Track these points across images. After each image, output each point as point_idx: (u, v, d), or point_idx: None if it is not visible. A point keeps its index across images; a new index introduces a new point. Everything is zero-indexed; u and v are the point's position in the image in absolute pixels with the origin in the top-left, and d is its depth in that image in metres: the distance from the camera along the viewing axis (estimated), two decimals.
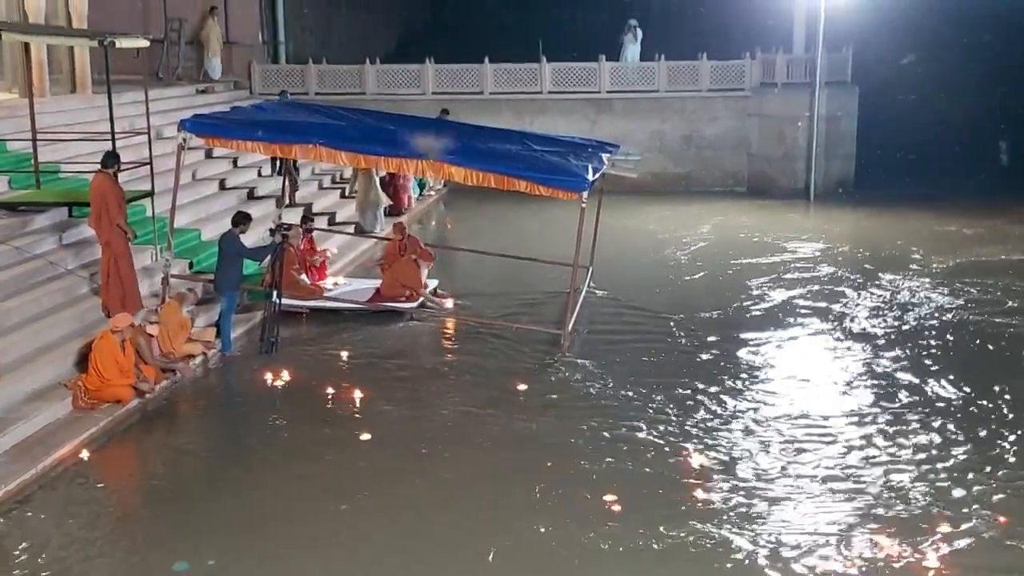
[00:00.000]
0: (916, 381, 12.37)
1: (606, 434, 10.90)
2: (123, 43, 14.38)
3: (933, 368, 12.84)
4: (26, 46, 15.86)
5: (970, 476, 9.78)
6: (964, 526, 8.85)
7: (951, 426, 10.98)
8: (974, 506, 9.21)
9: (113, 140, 13.85)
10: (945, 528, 8.80)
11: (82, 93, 19.63)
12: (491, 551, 8.55)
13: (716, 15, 33.24)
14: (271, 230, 14.31)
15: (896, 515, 9.05)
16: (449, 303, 15.58)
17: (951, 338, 14.11)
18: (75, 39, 17.07)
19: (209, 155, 19.59)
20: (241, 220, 13.78)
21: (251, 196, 19.23)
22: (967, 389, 12.06)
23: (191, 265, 15.18)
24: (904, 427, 10.94)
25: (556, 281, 15.70)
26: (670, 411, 11.45)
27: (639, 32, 26.74)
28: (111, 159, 13.06)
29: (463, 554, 8.57)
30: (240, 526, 9.03)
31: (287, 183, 19.17)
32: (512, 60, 25.86)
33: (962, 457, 10.24)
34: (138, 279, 13.22)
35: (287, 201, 19.27)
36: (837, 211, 23.27)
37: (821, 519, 9.02)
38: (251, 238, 14.90)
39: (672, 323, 14.76)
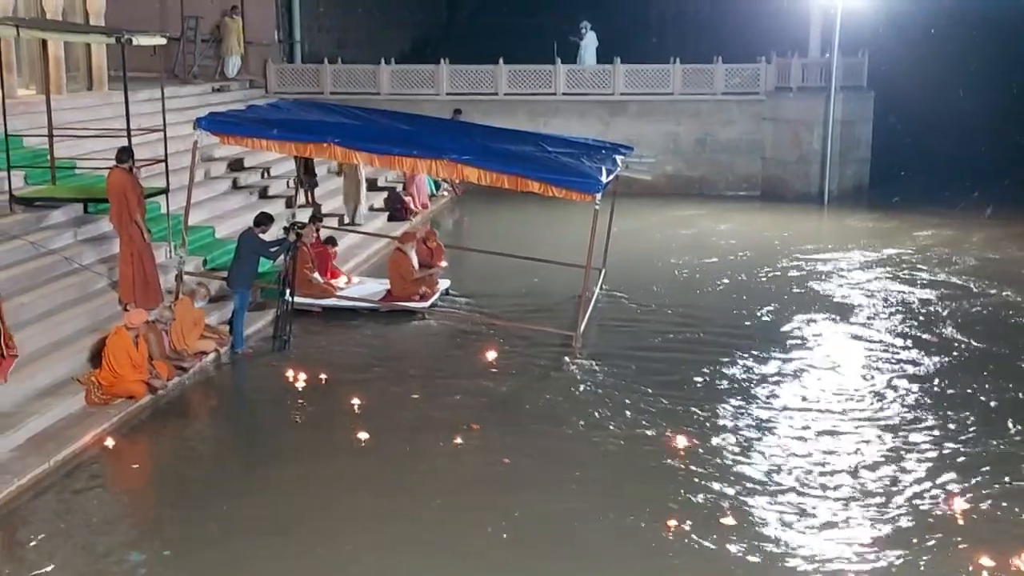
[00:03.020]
0: (957, 392, 12.16)
1: (618, 437, 10.91)
2: (140, 40, 14.43)
3: (970, 378, 12.65)
4: (43, 43, 15.92)
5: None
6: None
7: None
8: None
9: (129, 137, 13.90)
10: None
11: (99, 90, 19.72)
12: (494, 531, 8.57)
13: (732, 19, 33.16)
14: (285, 228, 14.36)
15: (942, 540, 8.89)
16: (443, 263, 16.06)
17: (983, 346, 14.03)
18: (92, 36, 17.14)
19: (210, 159, 19.57)
20: (263, 221, 13.85)
21: (262, 195, 19.30)
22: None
23: (205, 262, 15.23)
24: (947, 446, 10.66)
25: (569, 283, 15.68)
26: (681, 415, 11.45)
27: (593, 35, 26.71)
28: (126, 154, 13.14)
29: (469, 554, 8.60)
30: (248, 524, 9.05)
31: (302, 182, 19.23)
32: (526, 61, 25.87)
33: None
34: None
35: (304, 201, 19.32)
36: (852, 216, 23.17)
37: (858, 536, 8.93)
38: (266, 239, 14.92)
39: (685, 325, 14.74)
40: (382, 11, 35.14)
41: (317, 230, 16.22)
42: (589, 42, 26.65)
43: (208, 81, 24.36)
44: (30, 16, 17.97)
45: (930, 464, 10.23)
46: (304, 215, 17.52)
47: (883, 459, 10.34)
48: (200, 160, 17.85)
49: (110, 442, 10.56)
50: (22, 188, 14.55)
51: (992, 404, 11.86)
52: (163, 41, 15.51)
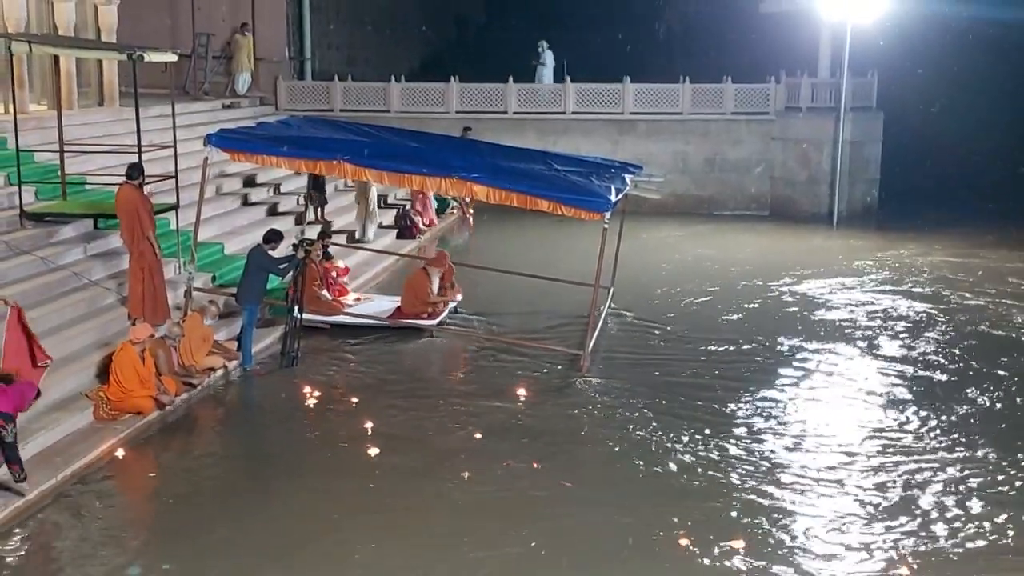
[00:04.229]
0: (1009, 424, 11.89)
1: (627, 457, 10.89)
2: (151, 57, 14.50)
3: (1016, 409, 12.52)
4: (55, 58, 16.01)
5: None
6: None
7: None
8: None
9: (140, 153, 13.96)
10: None
11: (110, 106, 19.80)
12: (507, 552, 8.53)
13: (742, 37, 33.22)
14: (294, 245, 14.38)
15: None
16: (459, 297, 15.95)
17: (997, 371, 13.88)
18: (104, 52, 17.23)
19: (222, 174, 19.66)
20: (273, 238, 13.87)
21: (271, 212, 19.35)
22: None
23: (214, 278, 15.26)
24: (957, 482, 10.34)
25: (577, 301, 15.66)
26: (692, 434, 11.40)
27: (550, 55, 26.92)
28: (136, 171, 13.18)
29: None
30: (255, 543, 9.02)
31: (312, 199, 19.28)
32: (536, 80, 25.89)
33: None
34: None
35: (314, 217, 19.37)
36: (862, 236, 23.09)
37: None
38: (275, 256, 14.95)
39: (693, 346, 14.68)
40: (392, 28, 35.27)
41: (325, 247, 16.25)
42: (547, 62, 26.90)
43: (219, 98, 24.44)
44: (43, 32, 18.07)
45: (959, 494, 10.06)
46: (314, 232, 17.54)
47: (922, 493, 10.06)
48: (212, 176, 17.93)
49: (118, 457, 10.56)
50: (33, 203, 14.59)
51: None
52: (174, 58, 15.57)
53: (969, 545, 9.05)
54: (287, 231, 16.70)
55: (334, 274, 16.18)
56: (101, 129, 18.05)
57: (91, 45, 17.93)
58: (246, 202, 19.23)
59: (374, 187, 19.44)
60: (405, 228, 21.47)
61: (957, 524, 9.38)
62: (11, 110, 15.21)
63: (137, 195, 13.00)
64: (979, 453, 10.97)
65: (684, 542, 9.00)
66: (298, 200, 20.11)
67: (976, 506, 9.74)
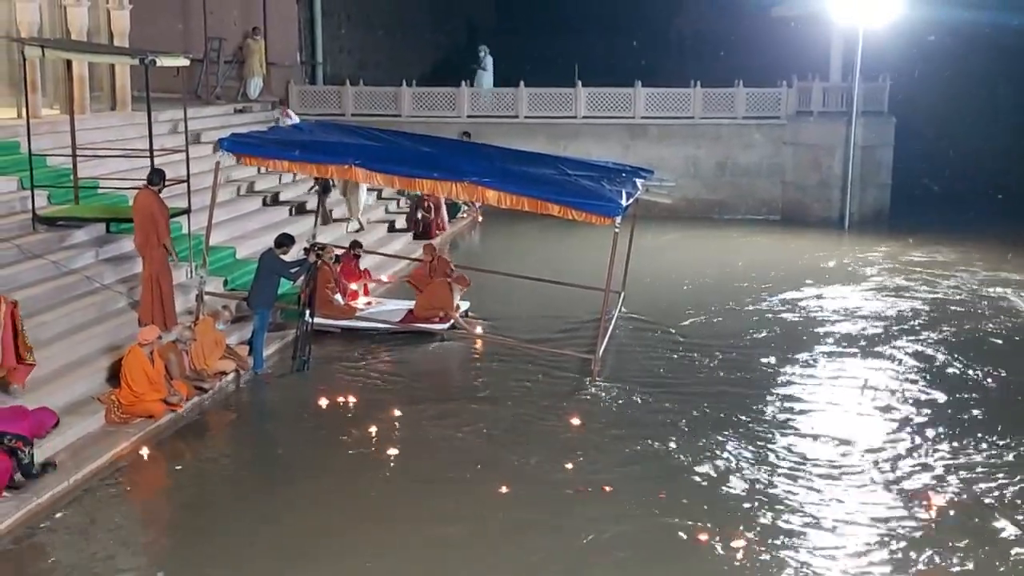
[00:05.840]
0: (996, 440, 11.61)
1: (638, 461, 10.87)
2: (164, 61, 14.53)
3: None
4: (68, 63, 16.06)
5: None
6: None
7: None
8: None
9: (152, 157, 13.99)
10: None
11: (122, 110, 19.84)
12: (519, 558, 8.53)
13: (752, 41, 33.21)
14: (305, 249, 14.40)
15: None
16: (479, 329, 15.60)
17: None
18: (116, 57, 17.26)
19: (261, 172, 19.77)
20: (284, 242, 13.87)
21: (291, 212, 19.39)
22: None
23: (225, 283, 15.28)
24: (984, 497, 10.12)
25: (588, 305, 15.62)
26: (698, 440, 11.38)
27: (490, 60, 26.97)
28: (157, 176, 13.21)
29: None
30: (266, 547, 9.01)
31: (322, 203, 19.31)
32: (547, 84, 25.94)
33: None
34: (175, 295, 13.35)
35: (322, 220, 19.39)
36: (873, 240, 23.01)
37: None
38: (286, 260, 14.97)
39: (705, 351, 14.64)
40: (403, 33, 35.34)
41: (357, 256, 16.36)
42: (487, 67, 27.05)
43: (230, 102, 24.50)
44: (55, 36, 18.13)
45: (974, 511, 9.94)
46: (324, 236, 17.56)
47: (950, 505, 9.95)
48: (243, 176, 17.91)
49: (129, 461, 10.58)
50: (45, 207, 14.63)
51: None
52: (186, 62, 15.61)
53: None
54: (301, 234, 16.72)
55: (349, 283, 16.21)
56: (114, 133, 18.09)
57: (104, 49, 17.98)
58: (276, 200, 19.34)
59: (362, 186, 19.45)
60: (420, 231, 21.45)
61: (986, 538, 9.28)
62: (24, 114, 15.27)
63: (155, 200, 13.03)
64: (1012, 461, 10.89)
65: (704, 536, 9.02)
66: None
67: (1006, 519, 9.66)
